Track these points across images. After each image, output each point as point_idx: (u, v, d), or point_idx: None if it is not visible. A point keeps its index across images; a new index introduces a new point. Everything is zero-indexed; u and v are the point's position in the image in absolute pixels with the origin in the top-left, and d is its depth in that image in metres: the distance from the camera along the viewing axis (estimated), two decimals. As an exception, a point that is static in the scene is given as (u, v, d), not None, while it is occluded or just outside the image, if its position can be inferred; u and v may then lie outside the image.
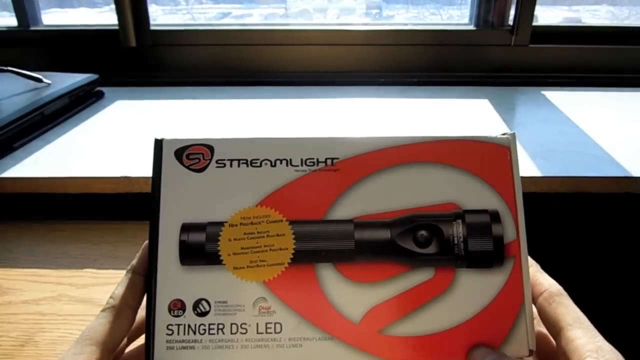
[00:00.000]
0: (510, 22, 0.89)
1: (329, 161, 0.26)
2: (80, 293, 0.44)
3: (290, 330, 0.25)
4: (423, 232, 0.25)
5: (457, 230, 0.25)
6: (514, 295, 0.25)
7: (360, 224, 0.25)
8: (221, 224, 0.25)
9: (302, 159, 0.26)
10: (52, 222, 0.55)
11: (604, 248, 0.69)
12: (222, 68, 0.92)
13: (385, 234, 0.25)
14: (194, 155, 0.26)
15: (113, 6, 0.86)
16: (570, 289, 0.26)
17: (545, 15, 1.03)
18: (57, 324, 0.40)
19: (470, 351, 0.24)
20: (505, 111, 0.76)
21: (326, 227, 0.25)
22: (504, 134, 0.26)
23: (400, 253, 0.25)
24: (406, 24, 1.05)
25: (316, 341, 0.25)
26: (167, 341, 0.24)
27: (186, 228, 0.25)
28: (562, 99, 0.80)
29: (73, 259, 0.49)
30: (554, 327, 0.24)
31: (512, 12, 0.88)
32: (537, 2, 0.85)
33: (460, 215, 0.25)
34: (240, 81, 0.89)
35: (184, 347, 0.24)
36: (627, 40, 0.90)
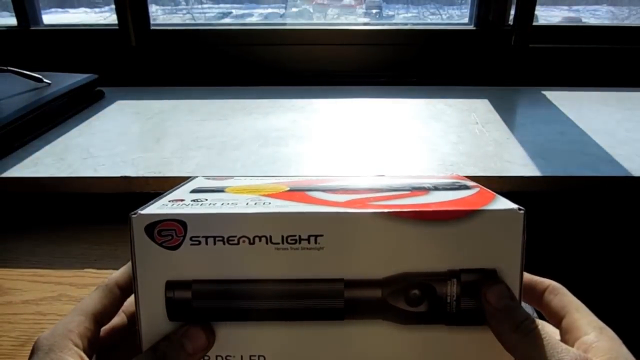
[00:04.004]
0: (510, 22, 0.89)
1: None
2: (80, 293, 0.44)
3: None
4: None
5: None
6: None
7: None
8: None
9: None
10: (52, 222, 0.55)
11: (604, 248, 0.69)
12: (222, 68, 0.92)
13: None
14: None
15: (113, 6, 0.86)
16: (570, 289, 0.26)
17: (545, 15, 1.03)
18: (57, 324, 0.40)
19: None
20: (505, 111, 0.76)
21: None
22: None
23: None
24: (406, 24, 1.05)
25: None
26: None
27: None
28: (562, 99, 0.80)
29: (73, 259, 0.49)
30: (559, 314, 0.25)
31: (512, 12, 0.88)
32: (537, 2, 0.85)
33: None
34: (240, 81, 0.89)
35: None
36: (627, 40, 0.90)
